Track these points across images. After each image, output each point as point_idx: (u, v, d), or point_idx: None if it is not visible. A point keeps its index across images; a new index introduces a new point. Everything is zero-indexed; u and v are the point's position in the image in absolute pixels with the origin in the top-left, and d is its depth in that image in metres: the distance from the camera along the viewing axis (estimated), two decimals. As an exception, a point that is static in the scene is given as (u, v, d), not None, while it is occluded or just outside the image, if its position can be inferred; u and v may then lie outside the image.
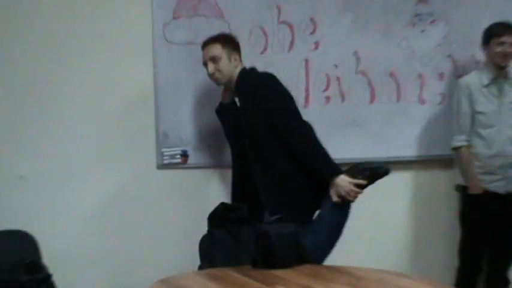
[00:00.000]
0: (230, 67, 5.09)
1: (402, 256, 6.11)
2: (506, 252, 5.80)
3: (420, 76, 6.06)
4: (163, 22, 5.55)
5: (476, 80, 5.72)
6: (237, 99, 5.18)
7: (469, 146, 5.71)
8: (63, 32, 5.41)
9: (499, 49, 5.60)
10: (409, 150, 6.06)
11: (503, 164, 5.62)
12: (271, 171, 4.96)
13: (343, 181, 4.84)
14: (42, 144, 5.39)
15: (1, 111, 5.33)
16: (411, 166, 6.09)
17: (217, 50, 5.07)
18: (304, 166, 4.88)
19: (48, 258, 4.83)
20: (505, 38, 5.57)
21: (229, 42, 5.13)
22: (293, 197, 4.92)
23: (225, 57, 5.07)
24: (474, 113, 5.68)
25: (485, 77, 5.69)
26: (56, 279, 4.73)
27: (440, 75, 6.06)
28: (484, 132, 5.66)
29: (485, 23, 5.88)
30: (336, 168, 4.88)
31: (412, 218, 6.18)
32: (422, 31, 6.03)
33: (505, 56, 5.60)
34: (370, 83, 5.95)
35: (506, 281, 5.79)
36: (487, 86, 5.67)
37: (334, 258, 5.42)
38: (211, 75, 5.09)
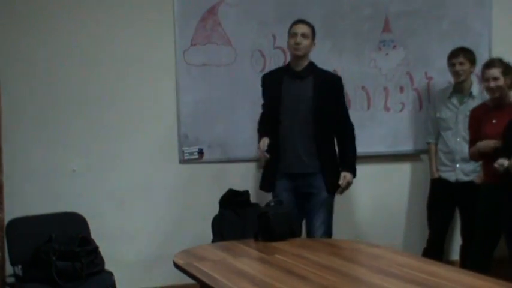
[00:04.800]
0: (309, 48, 5.04)
1: (378, 230, 6.10)
2: (466, 231, 5.78)
3: (385, 89, 6.09)
4: (183, 49, 5.55)
5: (442, 93, 5.80)
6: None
7: (435, 143, 5.83)
8: (107, 58, 5.42)
9: (451, 69, 5.65)
10: (376, 147, 6.08)
11: (454, 159, 5.67)
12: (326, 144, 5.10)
13: (351, 178, 5.08)
14: (89, 145, 5.39)
15: (59, 122, 5.33)
16: (378, 159, 6.09)
17: (308, 30, 5.00)
18: (342, 150, 5.15)
19: (95, 234, 4.91)
20: (453, 60, 5.60)
21: (314, 32, 5.09)
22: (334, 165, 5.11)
23: (310, 39, 5.02)
24: (437, 119, 5.78)
25: (447, 92, 5.74)
26: (101, 250, 4.81)
27: (401, 88, 6.08)
28: (443, 133, 5.74)
29: (434, 47, 6.03)
30: None
31: (381, 199, 6.18)
32: (387, 54, 6.06)
33: (456, 73, 5.62)
34: (346, 95, 5.90)
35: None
36: (449, 97, 5.72)
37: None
38: (296, 44, 4.97)
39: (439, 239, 5.84)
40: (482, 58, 6.16)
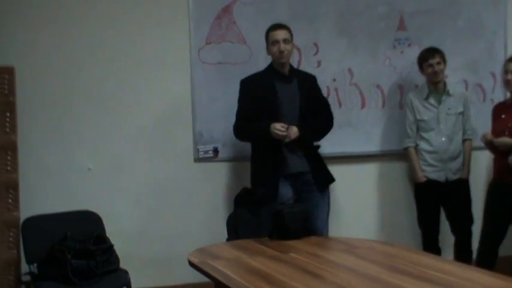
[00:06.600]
0: (292, 52, 5.22)
1: (378, 226, 6.13)
2: (460, 227, 5.79)
3: (400, 87, 6.06)
4: (198, 47, 5.55)
5: (418, 95, 5.76)
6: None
7: (415, 146, 5.76)
8: (123, 57, 5.42)
9: (429, 70, 5.63)
10: (391, 145, 6.05)
11: (442, 158, 5.64)
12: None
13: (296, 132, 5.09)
14: (105, 144, 5.40)
15: (75, 121, 5.33)
16: (393, 157, 6.07)
17: (288, 35, 5.12)
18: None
19: (110, 232, 4.93)
20: (431, 61, 5.59)
21: (292, 36, 5.19)
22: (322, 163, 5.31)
23: (291, 42, 5.15)
24: (417, 121, 5.73)
25: (424, 93, 5.72)
26: (116, 248, 4.81)
27: (416, 87, 6.02)
28: (425, 134, 5.69)
29: (449, 46, 5.98)
30: None
31: (393, 197, 6.16)
32: (402, 52, 6.03)
33: (435, 73, 5.61)
34: (361, 93, 5.96)
35: (470, 253, 5.75)
36: (426, 99, 5.69)
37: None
38: (281, 52, 5.07)
39: (436, 240, 5.82)
40: (497, 56, 6.21)
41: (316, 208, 5.15)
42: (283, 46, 5.07)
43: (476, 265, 5.16)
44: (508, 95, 5.45)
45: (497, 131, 5.22)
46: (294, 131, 5.03)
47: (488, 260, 5.22)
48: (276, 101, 5.11)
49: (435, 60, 5.60)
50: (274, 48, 5.09)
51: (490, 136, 5.21)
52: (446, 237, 5.88)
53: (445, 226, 5.85)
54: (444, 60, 5.66)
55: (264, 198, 4.88)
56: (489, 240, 5.34)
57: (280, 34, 5.09)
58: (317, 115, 5.24)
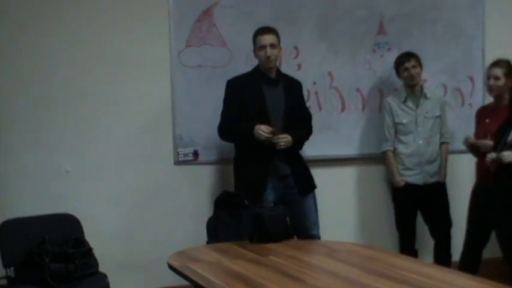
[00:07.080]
0: (279, 56, 5.20)
1: (357, 229, 6.14)
2: (439, 230, 5.82)
3: (380, 91, 6.07)
4: (178, 50, 5.52)
5: (395, 99, 5.78)
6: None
7: (393, 150, 5.78)
8: (102, 59, 5.39)
9: (405, 74, 5.68)
10: (369, 149, 6.04)
11: (420, 161, 5.67)
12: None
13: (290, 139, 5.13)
14: (84, 146, 5.36)
15: (53, 123, 5.29)
16: (372, 161, 6.06)
17: (275, 39, 5.11)
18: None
19: (89, 236, 4.87)
20: (406, 64, 5.65)
21: (279, 36, 5.17)
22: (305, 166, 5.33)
23: (278, 46, 5.14)
24: (395, 124, 5.75)
25: (402, 96, 5.75)
26: (95, 252, 4.76)
27: (395, 90, 6.01)
28: (404, 138, 5.72)
29: (428, 50, 6.04)
30: None
31: (372, 200, 6.16)
32: (381, 56, 6.04)
33: (411, 77, 5.66)
34: (341, 96, 5.96)
35: (449, 256, 5.77)
36: (404, 102, 5.72)
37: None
38: (268, 57, 5.06)
39: (412, 242, 5.85)
40: (475, 60, 6.23)
41: (303, 209, 5.19)
42: (269, 51, 5.05)
43: (459, 269, 5.15)
44: (490, 99, 5.47)
45: (480, 135, 5.25)
46: (288, 140, 5.03)
47: (471, 264, 5.23)
48: (263, 104, 5.10)
49: (411, 63, 5.65)
50: (261, 53, 5.08)
51: (472, 139, 5.23)
52: (427, 241, 5.88)
53: (425, 229, 5.86)
54: (420, 64, 5.70)
55: (245, 201, 4.86)
56: (473, 244, 5.35)
57: (267, 39, 5.07)
58: (299, 121, 5.24)
